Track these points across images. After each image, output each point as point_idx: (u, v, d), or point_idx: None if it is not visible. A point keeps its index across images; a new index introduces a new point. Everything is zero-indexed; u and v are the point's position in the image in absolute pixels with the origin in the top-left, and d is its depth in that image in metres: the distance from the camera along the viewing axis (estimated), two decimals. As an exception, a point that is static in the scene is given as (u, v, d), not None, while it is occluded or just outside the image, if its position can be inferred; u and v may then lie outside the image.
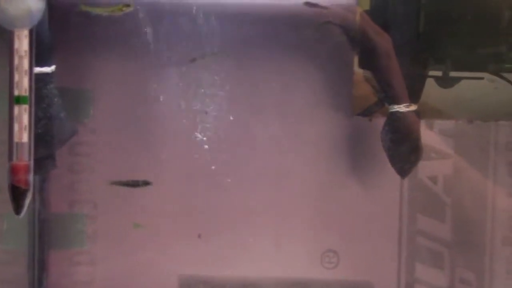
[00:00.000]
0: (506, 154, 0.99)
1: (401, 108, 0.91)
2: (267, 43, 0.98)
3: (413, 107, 0.91)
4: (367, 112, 0.99)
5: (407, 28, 0.95)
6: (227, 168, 1.01)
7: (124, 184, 1.00)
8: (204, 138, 1.00)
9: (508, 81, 1.00)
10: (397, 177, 0.96)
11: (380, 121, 0.95)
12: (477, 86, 0.99)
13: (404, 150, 0.92)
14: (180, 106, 1.00)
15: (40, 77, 0.85)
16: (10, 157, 0.81)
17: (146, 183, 1.00)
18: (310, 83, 0.99)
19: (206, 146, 0.99)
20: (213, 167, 1.00)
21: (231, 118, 0.99)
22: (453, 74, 0.98)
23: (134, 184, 1.00)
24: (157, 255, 1.01)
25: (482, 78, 0.97)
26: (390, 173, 0.95)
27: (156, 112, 1.00)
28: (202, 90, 0.99)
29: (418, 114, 0.92)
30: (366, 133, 0.99)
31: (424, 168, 0.99)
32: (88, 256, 1.01)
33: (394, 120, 0.92)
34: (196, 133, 0.99)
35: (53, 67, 0.88)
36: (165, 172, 1.01)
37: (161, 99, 0.99)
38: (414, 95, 0.92)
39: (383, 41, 0.90)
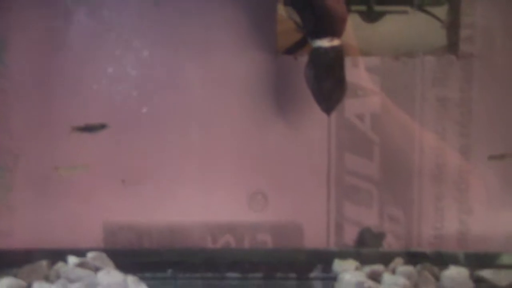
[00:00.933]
0: (433, 90, 0.99)
1: (324, 43, 0.89)
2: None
3: (337, 42, 0.89)
4: (292, 50, 0.98)
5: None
6: (151, 112, 0.98)
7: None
8: (126, 83, 0.97)
9: (432, 15, 0.98)
10: (324, 116, 0.95)
11: (305, 59, 0.93)
12: (401, 21, 0.98)
13: (328, 86, 0.90)
14: (98, 50, 0.97)
15: None
16: None
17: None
18: (232, 22, 0.97)
19: (132, 92, 0.96)
20: (135, 112, 0.98)
21: (153, 62, 0.97)
22: (377, 8, 0.96)
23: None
24: (79, 202, 0.99)
25: (406, 12, 0.96)
26: (316, 112, 0.94)
27: (74, 58, 0.97)
28: (119, 35, 0.96)
29: (342, 49, 0.90)
30: (292, 72, 0.98)
31: (351, 107, 0.99)
32: (6, 205, 0.98)
33: (317, 56, 0.90)
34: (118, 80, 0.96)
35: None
36: (87, 117, 0.98)
37: (78, 46, 0.97)
38: (336, 30, 0.89)
39: None
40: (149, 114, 0.98)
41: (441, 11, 0.99)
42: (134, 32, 0.96)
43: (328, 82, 0.90)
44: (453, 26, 0.98)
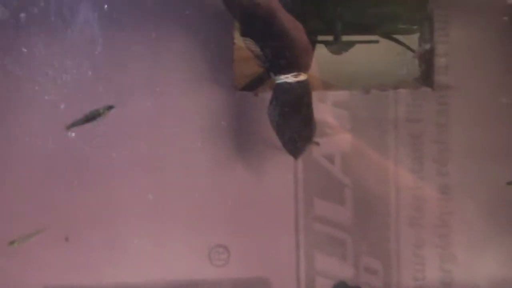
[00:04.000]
0: (407, 125, 0.91)
1: (289, 78, 0.81)
2: (132, 8, 0.86)
3: (303, 77, 0.81)
4: (252, 86, 0.89)
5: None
6: (95, 158, 0.88)
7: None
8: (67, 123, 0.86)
9: (403, 44, 0.92)
10: (290, 158, 0.86)
11: (267, 96, 0.85)
12: (371, 52, 0.91)
13: (295, 126, 0.82)
14: (40, 85, 0.87)
15: None
16: None
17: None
18: (184, 54, 0.88)
19: (71, 133, 0.86)
20: (78, 158, 0.88)
21: (96, 99, 0.87)
22: (344, 38, 0.89)
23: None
24: (18, 263, 0.87)
25: (377, 42, 0.89)
26: (281, 153, 0.86)
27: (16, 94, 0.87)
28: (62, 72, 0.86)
29: (308, 84, 0.82)
30: (252, 110, 0.89)
31: (319, 146, 0.89)
32: None
33: (282, 93, 0.82)
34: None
35: None
36: (20, 164, 0.87)
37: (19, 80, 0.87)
38: (302, 63, 0.81)
39: None
40: (92, 160, 0.88)
41: (413, 39, 0.92)
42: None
43: (295, 122, 0.82)
44: (426, 56, 0.91)
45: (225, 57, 0.88)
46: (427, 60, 0.90)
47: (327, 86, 0.90)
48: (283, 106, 0.82)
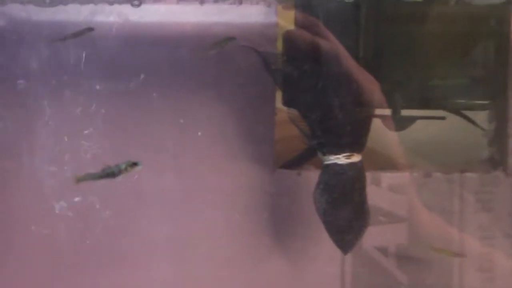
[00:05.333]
0: (475, 216, 0.80)
1: (340, 159, 0.71)
2: (161, 73, 0.76)
3: (356, 158, 0.71)
4: (295, 164, 0.79)
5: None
6: (115, 240, 0.78)
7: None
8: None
9: (472, 121, 0.81)
10: (336, 249, 0.75)
11: (312, 176, 0.75)
12: (435, 129, 0.80)
13: (345, 215, 0.72)
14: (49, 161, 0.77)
15: None
16: None
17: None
18: (217, 125, 0.78)
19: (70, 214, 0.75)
20: (88, 242, 0.77)
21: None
22: (405, 112, 0.78)
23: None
24: None
25: (443, 118, 0.78)
26: (327, 243, 0.75)
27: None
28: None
29: (362, 167, 0.72)
30: (294, 192, 0.79)
31: (371, 236, 0.78)
32: None
33: (331, 176, 0.71)
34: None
35: None
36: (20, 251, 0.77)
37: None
38: (356, 142, 0.71)
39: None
40: (111, 242, 0.78)
41: (483, 116, 0.81)
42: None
43: (346, 211, 0.72)
44: (498, 135, 0.80)
45: (265, 129, 0.79)
46: (499, 140, 0.80)
47: (383, 165, 0.78)
48: (332, 191, 0.72)
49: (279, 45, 0.75)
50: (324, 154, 0.71)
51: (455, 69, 0.77)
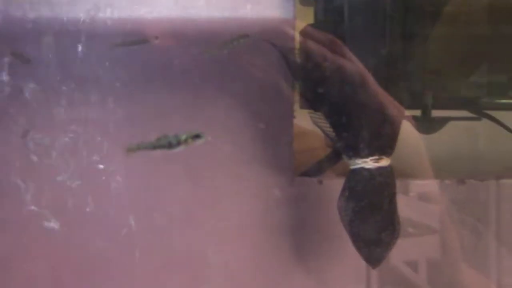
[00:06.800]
0: None
1: (368, 163, 0.65)
2: (172, 75, 0.71)
3: (385, 162, 0.65)
4: (316, 171, 0.73)
5: (368, 49, 0.70)
6: (116, 256, 0.72)
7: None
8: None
9: (505, 126, 0.76)
10: (363, 263, 0.70)
11: (335, 184, 0.70)
12: (468, 132, 0.76)
13: (373, 225, 0.66)
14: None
15: None
16: None
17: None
18: (231, 130, 0.73)
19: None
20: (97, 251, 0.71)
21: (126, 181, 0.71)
22: (436, 113, 0.74)
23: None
24: None
25: (479, 119, 0.72)
26: (351, 256, 0.69)
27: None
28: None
29: (392, 172, 0.66)
30: (315, 201, 0.74)
31: (400, 250, 0.72)
32: None
33: (358, 181, 0.66)
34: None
35: None
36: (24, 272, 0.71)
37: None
38: (386, 144, 0.65)
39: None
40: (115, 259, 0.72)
41: None
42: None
43: (374, 220, 0.66)
44: None
45: (283, 133, 0.73)
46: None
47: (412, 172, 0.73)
48: (359, 199, 0.66)
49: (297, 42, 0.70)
50: (350, 157, 0.66)
51: (496, 66, 0.72)
